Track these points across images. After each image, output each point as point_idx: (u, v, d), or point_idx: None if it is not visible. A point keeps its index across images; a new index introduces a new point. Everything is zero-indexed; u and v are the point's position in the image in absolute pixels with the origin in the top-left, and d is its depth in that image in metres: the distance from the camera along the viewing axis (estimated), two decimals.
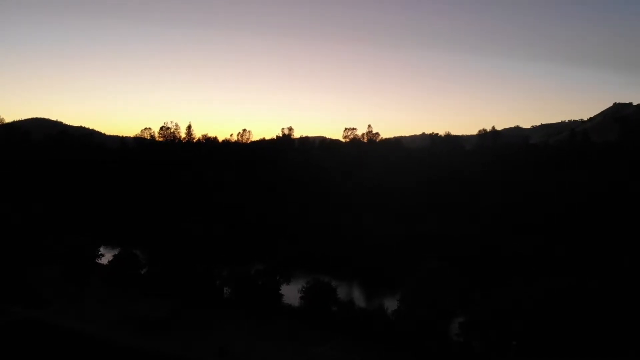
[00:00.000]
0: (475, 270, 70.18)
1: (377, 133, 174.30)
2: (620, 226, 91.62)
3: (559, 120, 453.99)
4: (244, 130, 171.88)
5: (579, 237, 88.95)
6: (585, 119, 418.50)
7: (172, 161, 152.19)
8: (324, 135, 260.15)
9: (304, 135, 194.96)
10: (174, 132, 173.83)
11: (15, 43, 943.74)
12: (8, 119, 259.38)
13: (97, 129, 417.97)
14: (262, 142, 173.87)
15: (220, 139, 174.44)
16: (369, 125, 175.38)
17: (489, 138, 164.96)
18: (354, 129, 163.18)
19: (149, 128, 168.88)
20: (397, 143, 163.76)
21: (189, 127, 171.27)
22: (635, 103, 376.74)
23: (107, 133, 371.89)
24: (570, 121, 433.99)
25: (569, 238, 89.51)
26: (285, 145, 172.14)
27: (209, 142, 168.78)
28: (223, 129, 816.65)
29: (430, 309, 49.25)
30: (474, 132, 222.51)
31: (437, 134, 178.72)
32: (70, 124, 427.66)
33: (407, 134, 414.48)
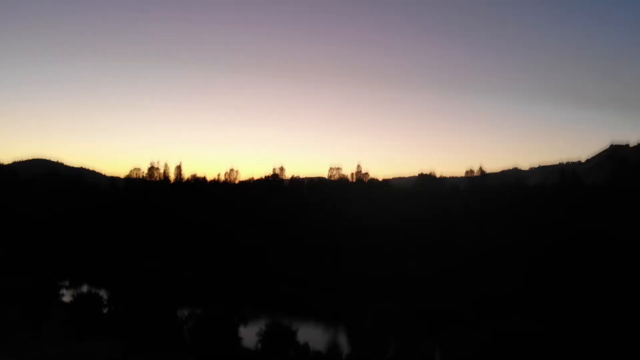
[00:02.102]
0: (440, 312, 68.65)
1: (366, 173, 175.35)
2: (598, 272, 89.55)
3: (557, 162, 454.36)
4: (231, 170, 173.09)
5: (553, 282, 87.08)
6: (583, 159, 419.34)
7: (159, 202, 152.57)
8: (321, 175, 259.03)
9: (295, 175, 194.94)
10: (165, 172, 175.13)
11: (11, 84, 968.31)
12: (8, 159, 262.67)
13: (98, 169, 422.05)
14: (250, 181, 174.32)
15: (209, 178, 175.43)
16: (358, 165, 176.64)
17: (477, 179, 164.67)
18: (339, 168, 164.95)
19: (138, 168, 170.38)
20: (384, 183, 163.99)
21: (179, 167, 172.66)
22: (631, 144, 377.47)
23: (108, 174, 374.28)
24: (568, 162, 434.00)
25: (543, 282, 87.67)
26: (274, 185, 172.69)
27: (198, 182, 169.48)
28: (213, 168, 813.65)
29: (377, 353, 47.81)
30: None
31: (427, 173, 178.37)
32: (72, 165, 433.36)
33: (406, 175, 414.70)
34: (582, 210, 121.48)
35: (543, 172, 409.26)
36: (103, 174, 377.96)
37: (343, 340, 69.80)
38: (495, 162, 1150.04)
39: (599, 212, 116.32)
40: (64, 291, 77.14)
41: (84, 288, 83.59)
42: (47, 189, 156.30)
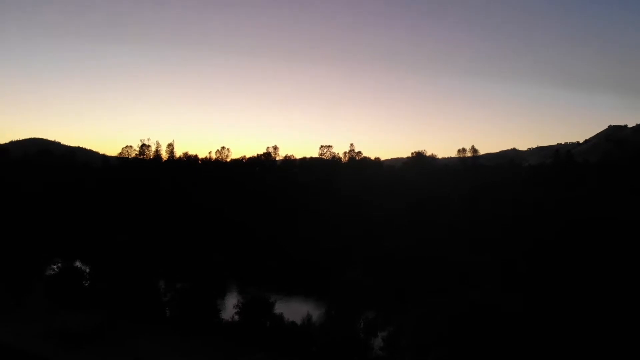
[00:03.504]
0: (420, 286, 68.51)
1: (359, 152, 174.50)
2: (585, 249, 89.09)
3: (556, 143, 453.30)
4: (222, 147, 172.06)
5: (540, 259, 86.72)
6: (581, 141, 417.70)
7: (152, 179, 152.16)
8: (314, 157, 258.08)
9: (289, 155, 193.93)
10: (156, 150, 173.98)
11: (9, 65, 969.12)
12: (5, 140, 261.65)
13: (94, 149, 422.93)
14: (242, 160, 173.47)
15: (201, 157, 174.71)
16: (351, 144, 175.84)
17: (469, 159, 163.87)
18: (330, 146, 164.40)
19: (130, 146, 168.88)
20: (376, 162, 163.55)
21: (170, 145, 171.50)
22: (630, 126, 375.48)
23: (103, 152, 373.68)
24: (566, 143, 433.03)
25: (530, 260, 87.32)
26: (267, 164, 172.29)
27: (190, 160, 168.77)
28: (205, 148, 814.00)
29: (350, 321, 47.98)
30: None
31: (421, 152, 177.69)
32: (69, 145, 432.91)
33: (403, 156, 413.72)
34: (573, 188, 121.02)
35: (541, 153, 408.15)
36: (99, 152, 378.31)
37: (320, 312, 70.49)
38: (494, 143, 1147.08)
39: (590, 191, 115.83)
40: (53, 266, 76.99)
41: (76, 263, 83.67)
42: (38, 167, 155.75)
